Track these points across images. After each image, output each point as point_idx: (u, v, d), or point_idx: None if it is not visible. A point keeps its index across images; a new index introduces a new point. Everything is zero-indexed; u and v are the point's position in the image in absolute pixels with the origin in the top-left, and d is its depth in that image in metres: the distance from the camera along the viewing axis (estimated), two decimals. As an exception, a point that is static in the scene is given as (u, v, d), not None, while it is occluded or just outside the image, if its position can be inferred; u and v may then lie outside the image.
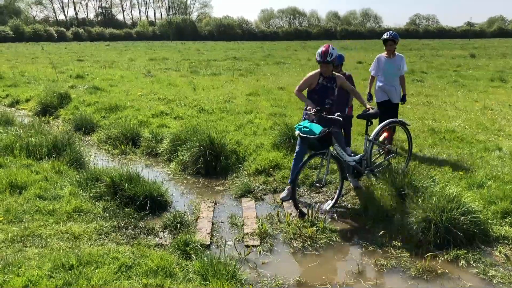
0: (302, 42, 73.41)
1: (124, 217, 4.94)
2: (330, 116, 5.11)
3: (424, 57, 30.08)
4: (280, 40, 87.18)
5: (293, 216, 4.97)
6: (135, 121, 9.18)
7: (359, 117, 5.71)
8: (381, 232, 4.60)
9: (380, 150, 6.04)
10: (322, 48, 5.31)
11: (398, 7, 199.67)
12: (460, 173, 5.80)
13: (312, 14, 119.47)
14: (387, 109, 6.97)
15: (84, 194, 5.33)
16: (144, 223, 4.92)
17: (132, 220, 4.92)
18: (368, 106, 5.53)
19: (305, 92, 5.57)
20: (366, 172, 5.61)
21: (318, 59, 5.32)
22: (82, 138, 8.66)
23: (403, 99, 7.00)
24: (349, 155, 5.50)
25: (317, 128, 4.96)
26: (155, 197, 5.34)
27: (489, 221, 4.58)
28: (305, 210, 5.06)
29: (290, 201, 5.45)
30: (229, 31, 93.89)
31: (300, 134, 5.09)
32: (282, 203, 5.50)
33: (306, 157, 5.38)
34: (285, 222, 4.88)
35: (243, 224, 4.92)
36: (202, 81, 16.48)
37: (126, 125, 8.61)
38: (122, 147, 7.92)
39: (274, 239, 4.60)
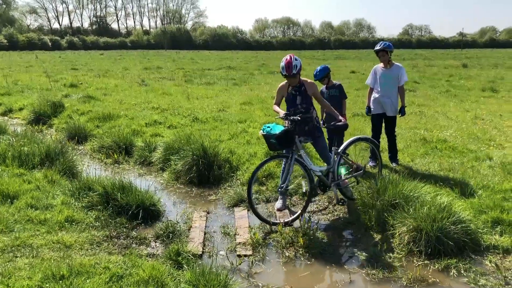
0: (297, 51, 73.75)
1: (116, 227, 4.92)
2: (292, 117, 5.08)
3: (417, 67, 30.31)
4: (275, 49, 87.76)
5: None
6: (128, 130, 9.18)
7: (327, 127, 5.76)
8: (373, 242, 4.62)
9: (348, 167, 5.82)
10: (284, 61, 5.18)
11: (391, 17, 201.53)
12: (451, 182, 5.84)
13: (306, 24, 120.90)
14: (383, 122, 6.97)
15: (76, 204, 5.31)
16: (136, 232, 4.91)
17: (124, 230, 4.90)
18: (340, 118, 5.52)
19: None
20: (332, 186, 5.48)
21: (283, 73, 5.21)
22: (75, 147, 8.61)
23: (402, 112, 6.89)
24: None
25: (278, 128, 5.03)
26: (147, 206, 5.33)
27: (479, 230, 4.61)
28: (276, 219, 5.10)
29: (286, 210, 5.48)
30: (224, 40, 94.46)
31: (262, 133, 5.13)
32: (275, 213, 5.51)
33: (266, 158, 5.40)
34: (277, 231, 4.89)
35: (235, 234, 4.92)
36: (196, 90, 16.53)
37: (119, 134, 8.60)
38: (115, 156, 7.91)
39: (266, 249, 4.60)
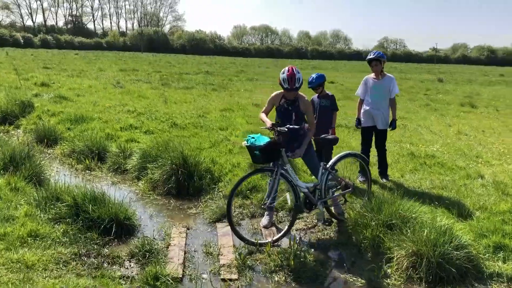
0: (274, 60, 73.91)
1: (86, 243, 4.42)
2: (278, 128, 4.66)
3: (394, 80, 30.47)
4: (252, 56, 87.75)
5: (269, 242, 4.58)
6: (102, 134, 8.63)
7: (316, 141, 5.42)
8: (369, 266, 4.27)
9: (336, 183, 5.41)
10: (286, 73, 4.77)
11: (367, 30, 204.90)
12: (446, 201, 5.56)
13: (284, 33, 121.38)
14: (372, 135, 6.67)
15: (42, 215, 4.78)
16: (108, 250, 4.43)
17: (95, 247, 4.41)
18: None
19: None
20: (319, 204, 5.07)
21: (284, 85, 4.80)
22: (44, 150, 8.04)
23: (393, 125, 6.58)
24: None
25: (263, 140, 4.63)
26: (121, 220, 4.85)
27: (481, 256, 4.32)
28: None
29: (273, 228, 5.09)
30: (202, 45, 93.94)
31: (246, 144, 4.71)
32: (260, 230, 5.11)
33: (250, 172, 4.95)
34: (264, 252, 4.48)
35: (219, 254, 4.48)
36: (174, 94, 16.01)
37: (92, 138, 8.05)
38: (87, 162, 7.37)
39: (253, 272, 4.18)
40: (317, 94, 6.27)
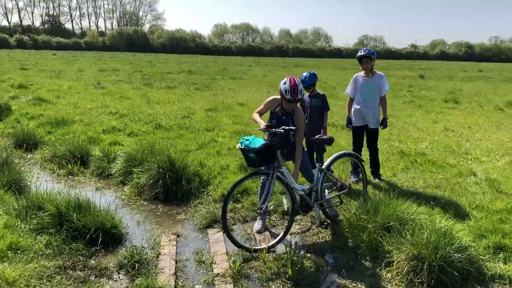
0: (256, 58, 73.70)
1: (71, 255, 4.18)
2: (274, 130, 4.51)
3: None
4: (234, 55, 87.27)
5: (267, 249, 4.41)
6: (84, 137, 8.35)
7: (311, 141, 5.27)
8: (368, 271, 4.13)
9: (332, 184, 5.30)
10: (288, 83, 4.58)
11: (348, 27, 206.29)
12: (442, 201, 5.46)
13: (265, 31, 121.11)
14: (364, 135, 6.55)
15: (23, 226, 4.52)
16: (95, 261, 4.20)
17: (81, 258, 4.17)
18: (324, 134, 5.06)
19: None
20: (315, 206, 4.96)
21: (287, 97, 4.59)
22: (23, 155, 7.70)
23: (383, 124, 6.49)
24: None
25: (258, 142, 4.42)
26: (108, 229, 4.61)
27: (481, 257, 4.21)
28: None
29: (266, 232, 4.91)
30: (182, 44, 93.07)
31: (240, 147, 4.48)
32: (254, 235, 4.93)
33: (245, 175, 4.78)
34: (259, 258, 4.30)
35: (212, 262, 4.28)
36: (156, 94, 15.71)
37: (74, 141, 7.76)
38: (70, 166, 7.09)
39: (249, 281, 3.99)
40: (308, 94, 6.11)
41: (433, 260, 3.88)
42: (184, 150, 7.47)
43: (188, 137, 8.63)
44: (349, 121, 6.60)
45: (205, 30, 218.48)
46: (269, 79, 24.92)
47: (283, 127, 4.54)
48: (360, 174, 5.88)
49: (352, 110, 6.52)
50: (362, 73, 6.47)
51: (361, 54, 6.33)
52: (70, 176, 6.90)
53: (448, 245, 3.97)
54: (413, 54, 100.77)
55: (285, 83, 4.64)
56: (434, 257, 3.88)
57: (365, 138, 6.61)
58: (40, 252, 4.11)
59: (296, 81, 4.64)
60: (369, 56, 6.27)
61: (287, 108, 4.81)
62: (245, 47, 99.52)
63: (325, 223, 5.16)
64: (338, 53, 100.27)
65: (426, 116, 13.16)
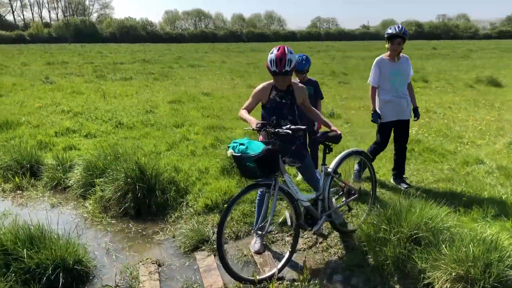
0: (210, 44, 72.13)
1: (23, 307, 3.19)
2: (277, 130, 3.60)
3: (336, 59, 30.26)
4: (187, 42, 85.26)
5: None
6: (33, 143, 7.19)
7: (317, 139, 4.33)
8: (403, 298, 3.38)
9: (339, 189, 4.52)
10: (275, 52, 3.65)
11: (300, 10, 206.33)
12: (463, 198, 4.78)
13: (217, 16, 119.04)
14: (398, 130, 5.54)
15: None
16: (56, 313, 3.23)
17: (37, 311, 3.19)
18: (333, 128, 4.10)
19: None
20: (323, 218, 4.09)
21: (272, 69, 3.68)
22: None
23: (417, 114, 5.55)
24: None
25: (257, 146, 3.47)
26: (70, 266, 3.63)
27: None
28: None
29: (267, 252, 4.06)
30: (133, 33, 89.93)
31: (233, 154, 3.49)
32: (252, 256, 4.08)
33: (241, 190, 3.70)
34: (266, 290, 3.46)
35: (208, 301, 3.41)
36: (112, 87, 14.44)
37: (21, 148, 6.59)
38: (17, 179, 5.97)
39: (260, 326, 3.15)
40: (298, 80, 5.25)
41: (486, 280, 3.16)
42: (153, 151, 6.48)
43: (155, 136, 7.61)
44: (378, 115, 5.46)
45: (155, 18, 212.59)
46: (229, 66, 23.94)
47: (289, 126, 3.63)
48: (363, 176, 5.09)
49: (381, 102, 5.44)
50: (385, 55, 5.42)
51: (395, 32, 5.15)
52: (18, 191, 5.80)
53: (499, 260, 3.26)
54: (365, 35, 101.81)
55: (271, 53, 3.68)
56: (486, 276, 3.16)
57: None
58: (-20, 310, 3.10)
59: (286, 50, 3.66)
60: (403, 36, 5.20)
61: (280, 86, 3.87)
62: (198, 34, 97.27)
63: (325, 233, 4.38)
64: (293, 36, 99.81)
65: (400, 97, 12.64)
